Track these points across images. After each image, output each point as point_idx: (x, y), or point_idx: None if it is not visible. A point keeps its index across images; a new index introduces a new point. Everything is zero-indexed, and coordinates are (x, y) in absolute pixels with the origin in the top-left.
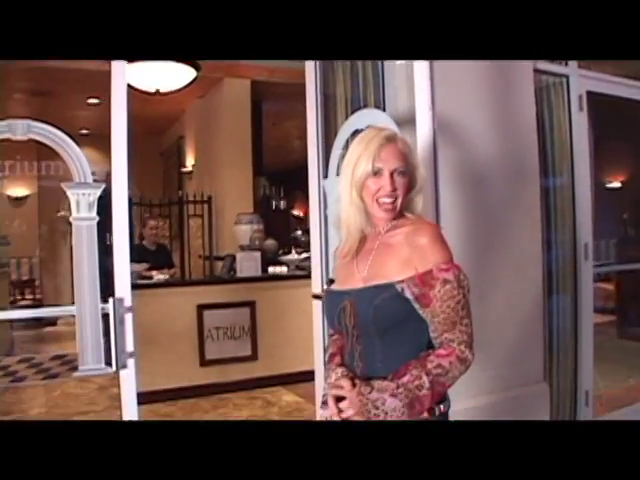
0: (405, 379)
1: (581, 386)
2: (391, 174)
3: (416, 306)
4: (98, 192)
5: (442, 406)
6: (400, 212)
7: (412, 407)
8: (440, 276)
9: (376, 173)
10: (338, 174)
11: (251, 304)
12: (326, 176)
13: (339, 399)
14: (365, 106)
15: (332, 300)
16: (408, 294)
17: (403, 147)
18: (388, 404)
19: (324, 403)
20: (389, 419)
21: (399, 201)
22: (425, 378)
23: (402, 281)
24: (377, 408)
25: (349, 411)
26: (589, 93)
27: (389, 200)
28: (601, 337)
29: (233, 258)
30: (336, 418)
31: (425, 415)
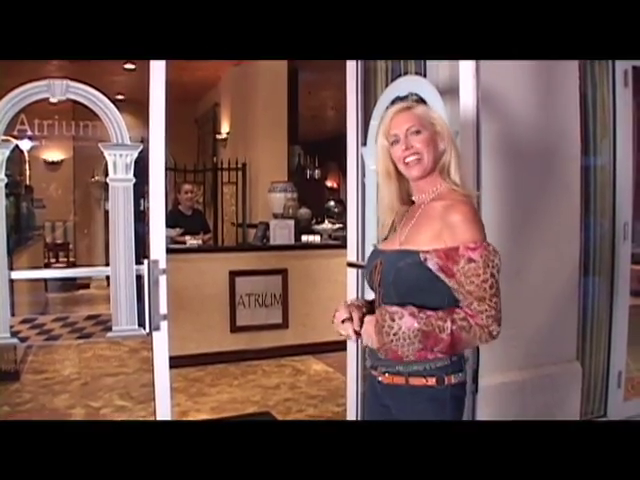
0: (430, 312)
1: (614, 367)
2: (405, 136)
3: (441, 275)
4: (135, 153)
5: (453, 377)
6: (438, 177)
7: (427, 338)
8: (466, 254)
9: (394, 142)
10: (376, 142)
11: (283, 272)
12: (365, 144)
13: None
14: (406, 74)
15: (370, 257)
16: (430, 264)
17: (419, 111)
18: (405, 320)
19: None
20: (401, 335)
21: (425, 157)
22: (449, 324)
23: (427, 251)
24: (393, 320)
25: (369, 326)
26: (635, 68)
27: (412, 158)
28: (635, 320)
29: (266, 226)
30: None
31: (433, 382)
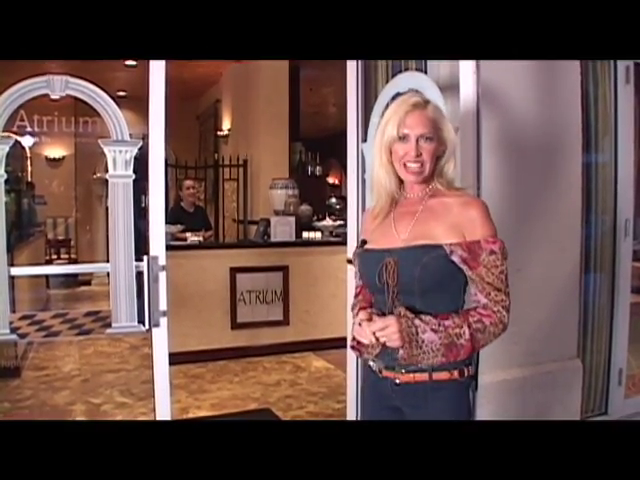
0: (447, 322)
1: (615, 365)
2: (417, 140)
3: (464, 267)
4: (135, 149)
5: (470, 368)
6: (432, 177)
7: (450, 350)
8: (487, 247)
9: (402, 138)
10: (380, 127)
11: (284, 269)
12: (365, 140)
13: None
14: (406, 70)
15: (372, 258)
16: (455, 257)
17: (432, 114)
18: (428, 335)
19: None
20: (425, 349)
21: (427, 166)
22: (466, 329)
23: (452, 244)
24: (417, 334)
25: (391, 328)
26: (637, 65)
27: (415, 165)
28: (636, 317)
29: (267, 222)
30: (371, 338)
31: (456, 376)
